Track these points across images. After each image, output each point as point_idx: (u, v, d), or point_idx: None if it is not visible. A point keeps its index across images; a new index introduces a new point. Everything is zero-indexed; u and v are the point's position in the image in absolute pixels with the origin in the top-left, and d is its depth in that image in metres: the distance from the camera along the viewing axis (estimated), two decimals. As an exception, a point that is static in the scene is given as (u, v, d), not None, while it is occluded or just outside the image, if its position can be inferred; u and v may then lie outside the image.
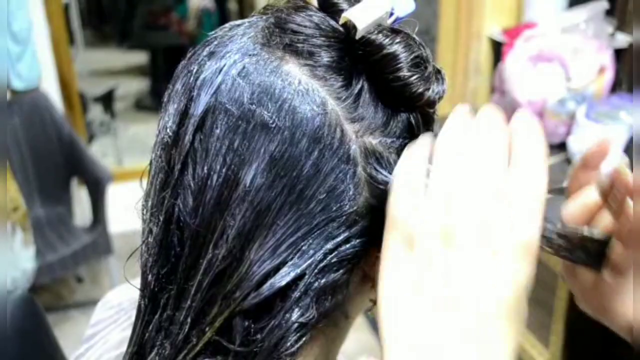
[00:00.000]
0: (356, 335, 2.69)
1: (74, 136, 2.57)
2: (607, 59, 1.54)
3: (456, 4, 1.87)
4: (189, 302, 0.44)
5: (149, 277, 0.46)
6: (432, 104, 0.45)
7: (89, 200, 2.53)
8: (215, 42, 0.45)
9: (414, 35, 0.45)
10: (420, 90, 0.44)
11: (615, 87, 1.60)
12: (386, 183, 0.44)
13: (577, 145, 1.49)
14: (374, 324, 2.71)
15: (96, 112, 4.20)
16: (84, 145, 2.61)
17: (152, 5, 5.43)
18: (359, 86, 0.44)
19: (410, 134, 0.45)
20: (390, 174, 0.44)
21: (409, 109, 0.45)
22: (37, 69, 2.63)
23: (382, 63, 0.43)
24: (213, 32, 0.47)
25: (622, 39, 1.66)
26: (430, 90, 0.44)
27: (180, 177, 0.44)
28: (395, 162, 0.44)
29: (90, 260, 2.53)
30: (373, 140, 0.44)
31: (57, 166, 2.60)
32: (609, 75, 1.54)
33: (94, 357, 0.60)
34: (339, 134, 0.43)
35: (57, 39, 2.88)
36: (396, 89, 0.44)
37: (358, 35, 0.43)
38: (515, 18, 1.83)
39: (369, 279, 0.48)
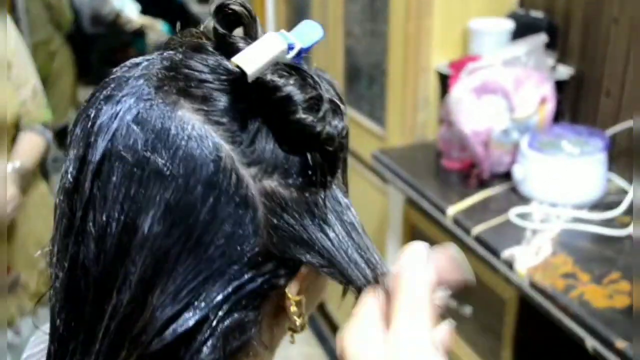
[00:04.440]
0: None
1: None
2: (548, 90, 1.58)
3: (404, 39, 1.91)
4: (97, 347, 0.44)
5: (57, 322, 0.46)
6: (330, 141, 0.45)
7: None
8: (113, 85, 0.45)
9: (311, 72, 0.46)
10: (317, 130, 0.44)
11: (557, 117, 1.65)
12: (286, 226, 0.44)
13: (521, 174, 1.53)
14: (331, 355, 2.70)
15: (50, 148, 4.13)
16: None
17: (110, 41, 5.41)
18: (254, 129, 0.44)
19: (312, 172, 0.45)
20: (292, 214, 0.45)
21: (307, 148, 0.45)
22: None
23: (277, 106, 0.44)
24: (113, 71, 0.47)
25: (563, 71, 1.71)
26: (327, 129, 0.44)
27: (82, 224, 0.44)
28: (296, 201, 0.45)
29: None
30: (272, 183, 0.44)
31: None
32: (550, 106, 1.59)
33: None
34: (235, 179, 0.43)
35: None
36: (292, 131, 0.44)
37: (250, 79, 0.43)
38: (461, 51, 1.87)
39: (283, 309, 0.48)
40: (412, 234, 1.81)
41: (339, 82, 2.48)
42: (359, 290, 0.47)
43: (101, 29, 5.85)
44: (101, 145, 0.43)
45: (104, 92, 0.45)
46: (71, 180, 0.45)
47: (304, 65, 0.47)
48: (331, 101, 0.45)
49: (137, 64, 0.47)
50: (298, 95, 0.43)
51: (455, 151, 1.69)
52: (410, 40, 1.90)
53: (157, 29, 4.94)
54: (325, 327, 2.90)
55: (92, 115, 0.45)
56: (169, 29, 4.89)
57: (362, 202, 2.32)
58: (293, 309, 0.48)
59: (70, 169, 0.45)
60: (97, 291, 0.44)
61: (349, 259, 0.47)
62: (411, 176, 1.70)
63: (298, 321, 0.49)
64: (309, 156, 0.45)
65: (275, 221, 0.44)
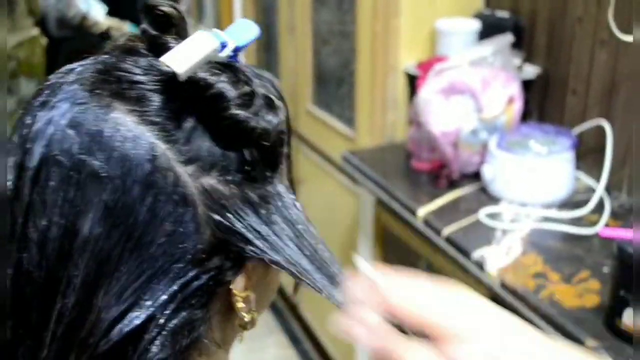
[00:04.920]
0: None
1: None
2: (515, 90, 1.59)
3: (372, 40, 1.91)
4: (45, 352, 0.44)
5: (6, 329, 0.46)
6: (265, 136, 0.46)
7: None
8: (47, 91, 0.46)
9: (245, 66, 0.47)
10: (250, 125, 0.45)
11: (524, 117, 1.66)
12: (227, 223, 0.45)
13: (491, 174, 1.53)
14: (305, 357, 2.70)
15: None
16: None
17: (77, 44, 5.35)
18: (189, 127, 0.45)
19: (250, 167, 0.46)
20: (233, 210, 0.45)
21: (243, 144, 0.46)
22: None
23: (209, 102, 0.44)
24: (48, 78, 0.47)
25: (530, 71, 1.72)
26: (261, 124, 0.45)
27: (23, 231, 0.44)
28: (237, 197, 0.45)
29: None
30: (211, 180, 0.45)
31: None
32: (518, 106, 1.60)
33: None
34: (172, 178, 0.43)
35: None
36: (226, 127, 0.45)
37: (181, 79, 0.44)
38: (429, 52, 1.88)
39: (232, 308, 0.49)
40: (383, 235, 1.81)
41: (308, 83, 2.47)
42: (310, 285, 0.48)
43: (67, 32, 5.78)
44: (38, 151, 0.43)
45: (39, 99, 0.46)
46: (11, 187, 0.45)
47: (239, 64, 0.48)
48: (265, 97, 0.46)
49: (72, 70, 0.47)
50: (230, 92, 0.44)
51: (424, 152, 1.69)
52: (378, 41, 1.90)
53: (124, 31, 4.89)
54: (299, 329, 2.90)
55: (28, 122, 0.45)
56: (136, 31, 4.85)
57: (333, 203, 2.31)
58: (240, 305, 0.48)
59: (10, 177, 0.45)
60: (42, 296, 0.44)
61: (292, 253, 0.48)
62: (381, 177, 1.70)
63: (247, 317, 0.49)
64: (245, 152, 0.46)
65: (216, 218, 0.45)
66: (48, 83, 0.47)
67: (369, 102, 2.00)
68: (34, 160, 0.43)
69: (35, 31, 3.02)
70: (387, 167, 1.78)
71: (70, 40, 5.66)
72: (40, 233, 0.43)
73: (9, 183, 0.45)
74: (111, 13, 4.98)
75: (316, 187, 2.42)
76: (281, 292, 3.01)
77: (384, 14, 1.86)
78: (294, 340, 2.86)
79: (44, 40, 3.41)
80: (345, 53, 2.18)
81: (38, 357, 0.44)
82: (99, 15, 4.81)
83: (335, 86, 2.32)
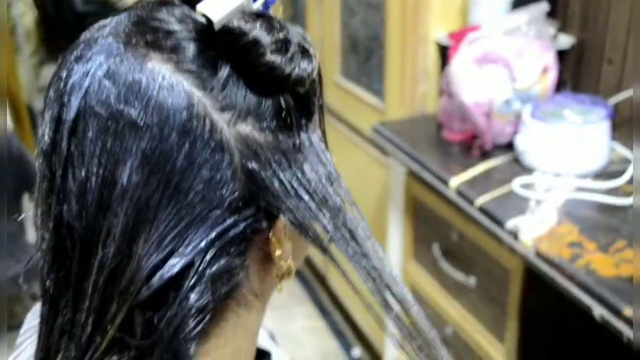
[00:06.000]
0: (316, 339, 2.69)
1: (24, 151, 2.53)
2: (550, 60, 1.57)
3: (402, 10, 1.89)
4: (87, 303, 0.45)
5: (47, 283, 0.47)
6: (300, 82, 0.46)
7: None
8: (82, 46, 0.46)
9: (277, 17, 0.47)
10: (286, 71, 0.45)
11: (559, 87, 1.64)
12: (262, 170, 0.46)
13: (524, 144, 1.52)
14: (334, 328, 2.71)
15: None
16: (34, 160, 2.57)
17: (102, 18, 5.36)
18: (225, 75, 0.45)
19: (285, 114, 0.47)
20: (267, 158, 0.46)
21: (278, 91, 0.46)
22: (-17, 84, 2.58)
23: (245, 50, 0.45)
24: (82, 34, 0.48)
25: (564, 40, 1.70)
26: (296, 70, 0.46)
27: (62, 183, 0.45)
28: (271, 145, 0.46)
29: (32, 280, 2.49)
30: (246, 127, 0.45)
31: (6, 182, 2.55)
32: (552, 75, 1.58)
33: None
34: (209, 125, 0.44)
35: (3, 53, 2.84)
36: (262, 74, 0.45)
37: (216, 27, 0.44)
38: (460, 21, 1.86)
39: (270, 257, 0.49)
40: (413, 206, 1.80)
41: (335, 54, 2.46)
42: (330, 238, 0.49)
43: (93, 7, 5.80)
44: (75, 103, 0.44)
45: (74, 53, 0.46)
46: (48, 141, 0.45)
47: (271, 15, 0.48)
48: (299, 44, 0.47)
49: (105, 25, 0.47)
50: (265, 38, 0.45)
51: (456, 123, 1.68)
52: (409, 11, 1.88)
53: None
54: (327, 301, 2.91)
55: (63, 76, 0.45)
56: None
57: (363, 175, 2.31)
58: (278, 252, 0.49)
59: (47, 131, 0.46)
60: (82, 247, 0.45)
61: (322, 206, 0.48)
62: (412, 148, 1.70)
63: (284, 266, 0.50)
64: (281, 99, 0.46)
65: (250, 166, 0.45)
66: (82, 39, 0.47)
67: (399, 74, 1.99)
68: (71, 113, 0.44)
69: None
70: (418, 138, 1.78)
71: (95, 15, 5.68)
72: (80, 184, 0.44)
73: (45, 137, 0.45)
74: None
75: (344, 159, 2.42)
76: (308, 262, 3.02)
77: (414, -16, 1.84)
78: (323, 312, 2.88)
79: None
80: (374, 24, 2.16)
81: (80, 309, 0.45)
82: (124, -11, 4.82)
83: (363, 57, 2.30)
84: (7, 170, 2.54)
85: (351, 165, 2.39)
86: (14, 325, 2.42)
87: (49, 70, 5.91)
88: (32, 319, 0.64)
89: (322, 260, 2.83)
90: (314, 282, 3.03)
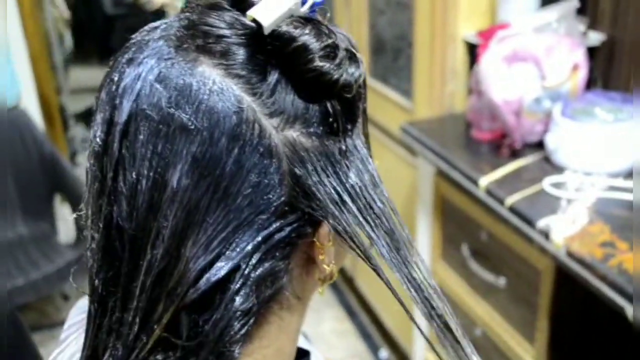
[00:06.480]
0: (344, 341, 2.69)
1: (56, 153, 2.56)
2: (580, 57, 1.55)
3: (431, 9, 1.88)
4: (135, 303, 0.45)
5: (96, 282, 0.47)
6: (347, 88, 0.46)
7: (72, 216, 2.52)
8: (134, 48, 0.47)
9: (325, 22, 0.47)
10: (334, 77, 0.45)
11: (589, 85, 1.62)
12: (308, 176, 0.46)
13: (554, 143, 1.50)
14: (361, 330, 2.71)
15: (78, 129, 4.19)
16: (66, 162, 2.60)
17: (131, 21, 5.42)
18: (274, 80, 0.46)
19: (332, 120, 0.47)
20: (314, 163, 0.46)
21: (326, 96, 0.46)
22: (17, 86, 2.62)
23: (294, 55, 0.45)
24: (133, 37, 0.48)
25: (595, 37, 1.68)
26: (344, 76, 0.46)
27: (113, 184, 0.45)
28: (318, 150, 0.46)
29: (76, 277, 2.52)
30: (294, 133, 0.46)
31: (39, 183, 2.59)
32: (582, 73, 1.56)
33: None
34: (258, 130, 0.44)
35: (36, 56, 2.88)
36: (310, 79, 0.45)
37: (266, 32, 0.44)
38: (489, 20, 1.84)
39: (313, 261, 0.50)
40: (442, 206, 1.80)
41: (363, 55, 2.46)
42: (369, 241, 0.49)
43: (122, 9, 5.86)
44: (127, 106, 0.44)
45: (126, 56, 0.47)
46: (100, 143, 0.46)
47: (319, 18, 0.48)
48: (347, 50, 0.47)
49: (156, 28, 0.48)
50: (314, 44, 0.45)
51: (485, 122, 1.67)
52: (437, 10, 1.87)
53: (177, 8, 4.93)
54: (355, 303, 2.91)
55: (115, 78, 0.46)
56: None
57: (391, 175, 2.31)
58: (322, 257, 0.49)
59: (98, 133, 0.46)
60: (132, 248, 0.45)
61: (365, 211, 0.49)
62: (441, 148, 1.69)
63: (327, 269, 0.50)
64: (328, 104, 0.46)
65: (297, 171, 0.46)
66: (133, 41, 0.48)
67: (427, 73, 1.98)
68: (123, 115, 0.44)
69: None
70: (447, 138, 1.77)
71: (124, 18, 5.74)
72: (130, 186, 0.44)
73: (97, 138, 0.46)
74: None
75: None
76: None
77: (442, -17, 1.83)
78: (351, 314, 2.88)
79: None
80: (402, 23, 2.16)
81: (128, 309, 0.46)
82: (153, -8, 4.87)
83: (391, 57, 2.30)
84: (39, 171, 2.58)
85: (379, 166, 2.38)
86: (46, 324, 2.47)
87: (79, 73, 5.99)
88: (76, 315, 0.65)
89: (350, 263, 2.83)
90: (342, 284, 3.03)
